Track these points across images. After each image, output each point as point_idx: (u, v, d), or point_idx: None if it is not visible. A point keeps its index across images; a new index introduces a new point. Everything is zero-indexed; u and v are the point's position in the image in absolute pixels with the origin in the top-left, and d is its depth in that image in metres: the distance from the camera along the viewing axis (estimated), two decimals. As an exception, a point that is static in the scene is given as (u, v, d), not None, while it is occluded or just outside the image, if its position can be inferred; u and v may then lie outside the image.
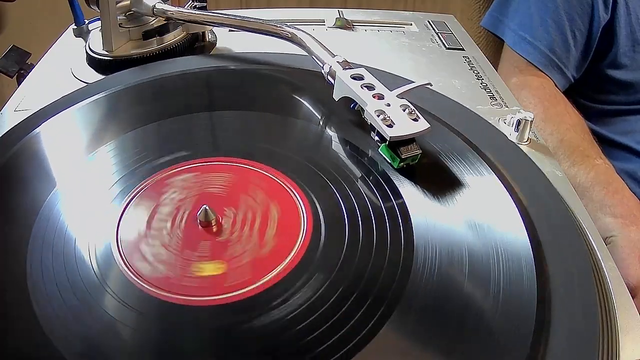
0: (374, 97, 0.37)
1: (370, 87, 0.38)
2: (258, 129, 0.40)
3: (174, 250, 0.30)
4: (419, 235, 0.30)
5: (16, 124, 0.40)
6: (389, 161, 0.35)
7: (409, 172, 0.35)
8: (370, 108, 0.36)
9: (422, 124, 0.35)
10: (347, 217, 0.32)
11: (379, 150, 0.36)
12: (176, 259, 0.30)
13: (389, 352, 0.26)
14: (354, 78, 0.39)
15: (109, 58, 0.49)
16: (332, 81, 0.40)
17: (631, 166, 0.70)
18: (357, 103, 0.38)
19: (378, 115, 0.35)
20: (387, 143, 0.35)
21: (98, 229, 0.31)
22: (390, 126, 0.35)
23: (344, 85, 0.38)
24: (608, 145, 0.72)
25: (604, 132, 0.74)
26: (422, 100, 0.41)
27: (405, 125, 0.35)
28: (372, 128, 0.36)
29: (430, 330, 0.26)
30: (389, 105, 0.36)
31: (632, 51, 0.73)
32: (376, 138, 0.36)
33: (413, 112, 0.36)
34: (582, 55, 0.74)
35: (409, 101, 0.36)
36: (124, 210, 0.33)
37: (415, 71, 0.51)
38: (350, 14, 0.62)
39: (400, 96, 0.37)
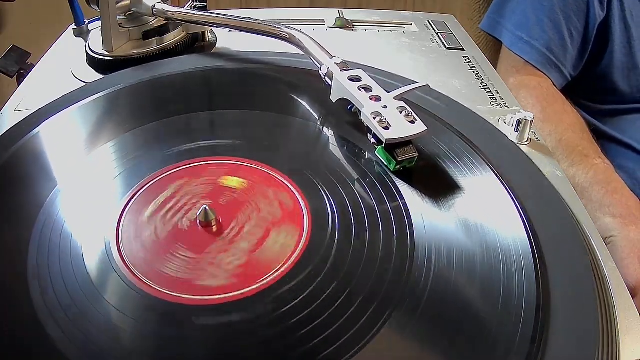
0: (370, 99, 0.37)
1: (367, 89, 0.38)
2: (258, 128, 0.40)
3: (173, 250, 0.30)
4: (419, 236, 0.30)
5: (16, 123, 0.40)
6: (386, 164, 0.35)
7: (408, 172, 0.35)
8: (367, 110, 0.36)
9: (419, 127, 0.35)
10: (350, 217, 0.32)
11: (375, 152, 0.36)
12: (176, 258, 0.30)
13: (389, 354, 0.26)
14: (351, 80, 0.38)
15: (109, 58, 0.49)
16: (330, 82, 0.40)
17: (629, 164, 0.70)
18: (354, 105, 0.38)
19: (374, 118, 0.35)
20: (383, 145, 0.35)
21: (98, 229, 0.31)
22: (386, 128, 0.34)
23: (341, 87, 0.38)
24: (606, 141, 0.72)
25: (600, 127, 0.74)
26: (421, 100, 0.41)
27: (401, 127, 0.35)
28: (369, 130, 0.36)
29: (430, 331, 0.27)
30: (385, 107, 0.36)
31: (628, 47, 0.73)
32: (372, 140, 0.36)
33: (410, 115, 0.35)
34: (579, 53, 0.74)
35: (406, 103, 0.36)
36: (124, 210, 0.33)
37: (415, 71, 0.51)
38: (350, 14, 0.62)
39: (397, 98, 0.37)
